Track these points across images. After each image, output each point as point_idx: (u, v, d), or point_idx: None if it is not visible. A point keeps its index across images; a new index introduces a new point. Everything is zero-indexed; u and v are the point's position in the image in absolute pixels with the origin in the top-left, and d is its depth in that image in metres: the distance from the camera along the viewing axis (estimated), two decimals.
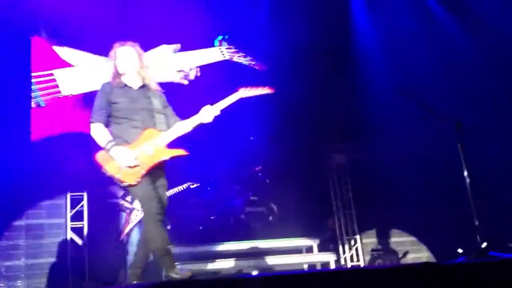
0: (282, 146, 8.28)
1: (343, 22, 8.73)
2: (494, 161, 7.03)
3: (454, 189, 5.42)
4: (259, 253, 7.15)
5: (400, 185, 7.81)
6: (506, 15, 7.46)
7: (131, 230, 5.58)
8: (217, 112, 4.22)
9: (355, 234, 8.42)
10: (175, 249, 6.42)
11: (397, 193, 7.83)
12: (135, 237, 5.52)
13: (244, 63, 5.19)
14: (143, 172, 3.95)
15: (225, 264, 6.68)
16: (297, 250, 7.62)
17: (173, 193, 5.94)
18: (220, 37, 5.49)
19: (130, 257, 5.43)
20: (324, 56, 8.31)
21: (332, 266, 7.31)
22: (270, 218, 8.09)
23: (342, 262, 8.15)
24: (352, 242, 8.41)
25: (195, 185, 6.24)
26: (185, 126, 4.18)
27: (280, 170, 8.40)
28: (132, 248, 5.47)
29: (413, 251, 8.25)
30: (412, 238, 8.44)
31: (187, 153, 4.16)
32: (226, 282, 3.14)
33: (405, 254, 8.15)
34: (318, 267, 7.39)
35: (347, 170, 8.63)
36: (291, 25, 8.13)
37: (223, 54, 5.51)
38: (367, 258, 8.27)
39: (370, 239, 8.45)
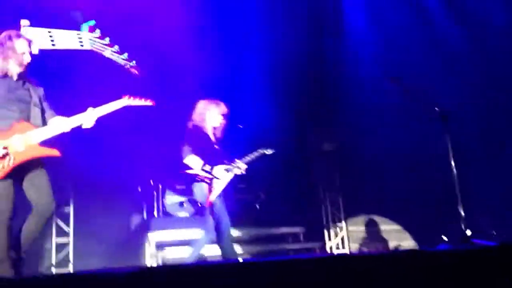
0: (270, 133, 8.26)
1: (331, 9, 8.74)
2: (479, 150, 7.08)
3: (440, 178, 5.42)
4: (246, 241, 7.16)
5: (387, 173, 7.81)
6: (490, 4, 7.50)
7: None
8: (96, 117, 4.21)
9: (341, 222, 8.45)
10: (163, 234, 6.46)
11: (384, 181, 7.85)
12: (218, 205, 5.31)
13: (118, 61, 4.66)
14: (9, 168, 3.83)
15: (210, 251, 6.67)
16: (283, 238, 7.65)
17: (248, 160, 5.73)
18: (91, 22, 4.77)
19: (221, 226, 5.23)
20: (314, 41, 8.32)
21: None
22: (257, 206, 8.10)
23: (328, 250, 8.19)
24: (338, 230, 8.44)
25: (271, 152, 6.02)
26: (62, 124, 4.10)
27: (268, 158, 8.39)
28: (221, 216, 5.26)
29: (399, 239, 8.29)
30: (397, 227, 8.47)
31: (59, 155, 4.03)
32: (211, 268, 3.12)
33: (397, 247, 8.19)
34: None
35: (335, 158, 8.64)
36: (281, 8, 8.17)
37: (81, 42, 4.66)
38: (354, 246, 8.31)
39: (357, 227, 8.48)
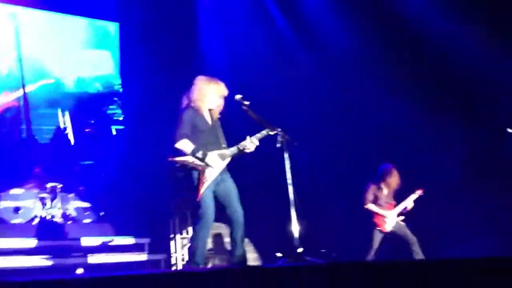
0: (122, 142, 8.14)
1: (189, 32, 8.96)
2: (318, 170, 7.55)
3: (282, 194, 5.65)
4: (87, 250, 6.93)
5: (237, 186, 8.00)
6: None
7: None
8: None
9: (188, 234, 8.46)
10: None
11: None
12: (208, 197, 4.88)
13: None
14: None
15: (47, 262, 6.36)
16: (129, 248, 7.49)
17: (259, 138, 5.18)
18: None
19: (205, 221, 4.93)
20: (172, 61, 8.45)
21: (163, 266, 7.32)
22: (102, 213, 7.88)
23: (174, 261, 8.15)
24: (185, 241, 8.43)
25: (274, 133, 5.29)
26: None
27: (118, 167, 8.25)
28: (208, 210, 4.89)
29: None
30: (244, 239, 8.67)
31: None
32: (45, 283, 2.92)
33: None
34: (148, 266, 7.34)
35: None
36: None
37: None
38: None
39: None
